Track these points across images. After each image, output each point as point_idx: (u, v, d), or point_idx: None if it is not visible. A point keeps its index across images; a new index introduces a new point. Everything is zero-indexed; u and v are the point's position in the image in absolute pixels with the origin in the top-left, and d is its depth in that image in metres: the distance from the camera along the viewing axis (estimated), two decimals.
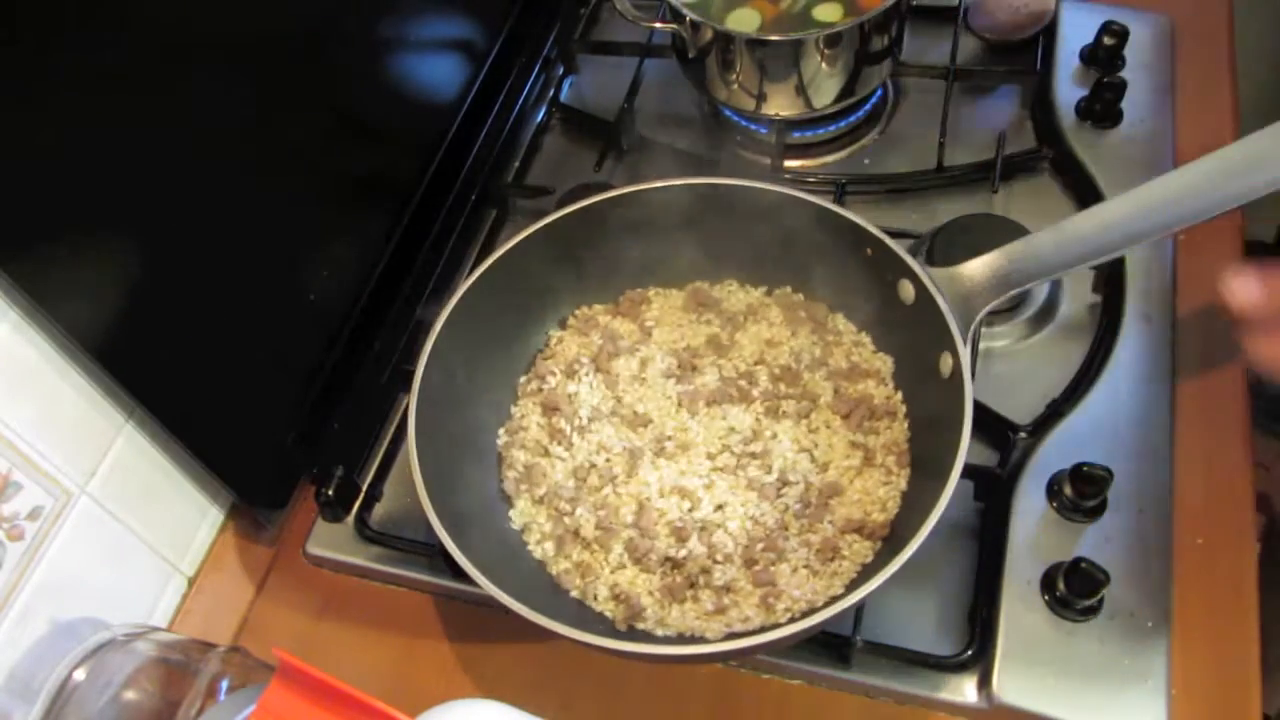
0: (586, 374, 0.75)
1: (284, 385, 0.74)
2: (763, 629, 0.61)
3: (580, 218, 0.73)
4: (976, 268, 0.66)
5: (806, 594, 0.64)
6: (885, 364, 0.73)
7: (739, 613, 0.64)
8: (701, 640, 0.63)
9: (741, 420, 0.72)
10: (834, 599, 0.58)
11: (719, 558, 0.66)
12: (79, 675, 0.59)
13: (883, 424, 0.70)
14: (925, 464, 0.67)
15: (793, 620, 0.62)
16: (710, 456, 0.70)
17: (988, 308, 0.65)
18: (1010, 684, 0.63)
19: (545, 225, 0.72)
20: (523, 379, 0.76)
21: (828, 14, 0.84)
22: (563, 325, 0.78)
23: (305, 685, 0.50)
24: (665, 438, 0.71)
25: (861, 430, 0.70)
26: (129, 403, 0.65)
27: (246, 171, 0.68)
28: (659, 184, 0.72)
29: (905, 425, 0.70)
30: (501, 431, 0.74)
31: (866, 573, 0.64)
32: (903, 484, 0.68)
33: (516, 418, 0.75)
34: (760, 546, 0.66)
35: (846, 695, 0.67)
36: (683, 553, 0.66)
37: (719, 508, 0.68)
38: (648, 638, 0.64)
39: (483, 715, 0.54)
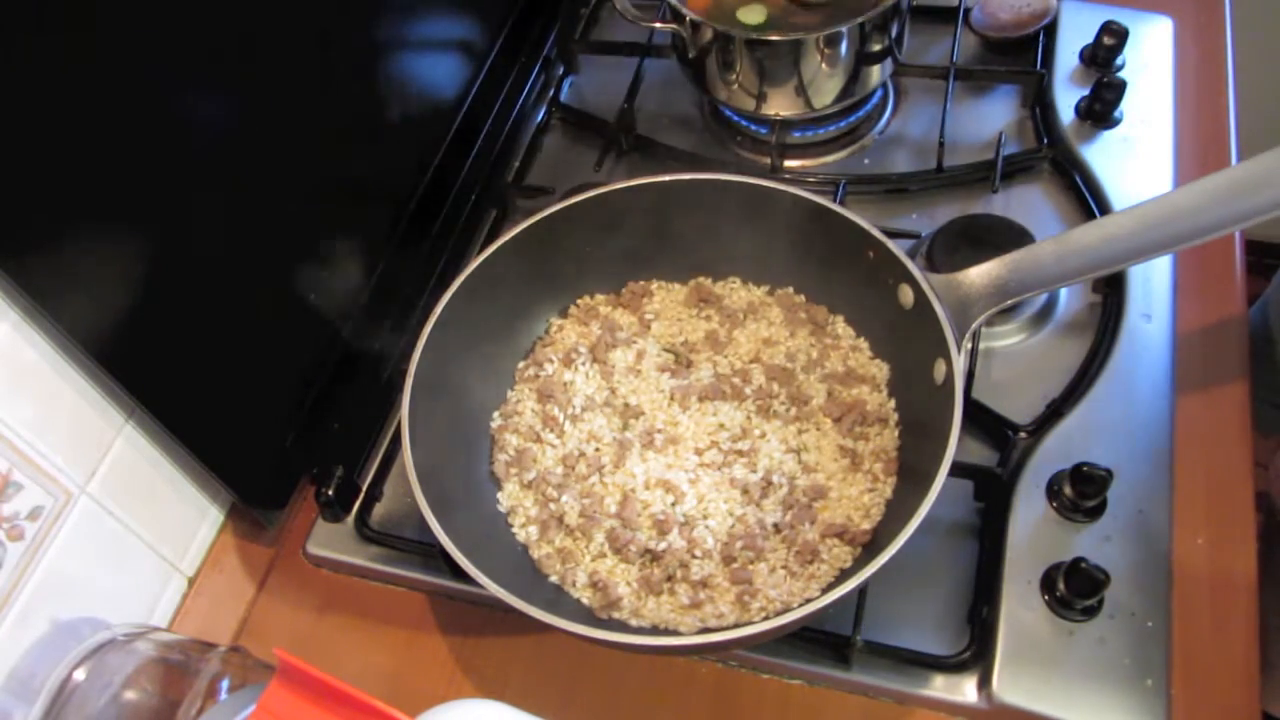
0: (583, 363, 0.76)
1: (284, 385, 0.74)
2: (736, 625, 0.62)
3: (588, 207, 0.73)
4: (976, 275, 0.66)
5: (782, 594, 0.64)
6: (881, 370, 0.73)
7: (714, 609, 0.64)
8: (674, 633, 0.63)
9: (732, 417, 0.72)
10: (809, 600, 0.59)
11: (698, 553, 0.67)
12: (79, 675, 0.59)
13: (873, 430, 0.70)
14: (913, 471, 0.67)
15: (767, 619, 0.62)
16: (698, 452, 0.71)
17: (984, 315, 0.65)
18: (1010, 684, 0.63)
19: (552, 213, 0.72)
20: (521, 364, 0.77)
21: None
22: (564, 313, 0.79)
23: (305, 685, 0.50)
24: (655, 430, 0.72)
25: (851, 435, 0.70)
26: (129, 403, 0.65)
27: (246, 171, 0.68)
28: (666, 177, 0.72)
29: (896, 433, 0.70)
30: (496, 415, 0.75)
31: (844, 577, 0.64)
32: (888, 492, 0.68)
33: (512, 402, 0.75)
34: (740, 544, 0.66)
35: (846, 695, 0.67)
36: (662, 545, 0.67)
37: (702, 503, 0.68)
38: (622, 627, 0.64)
39: (483, 715, 0.54)
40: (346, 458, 0.76)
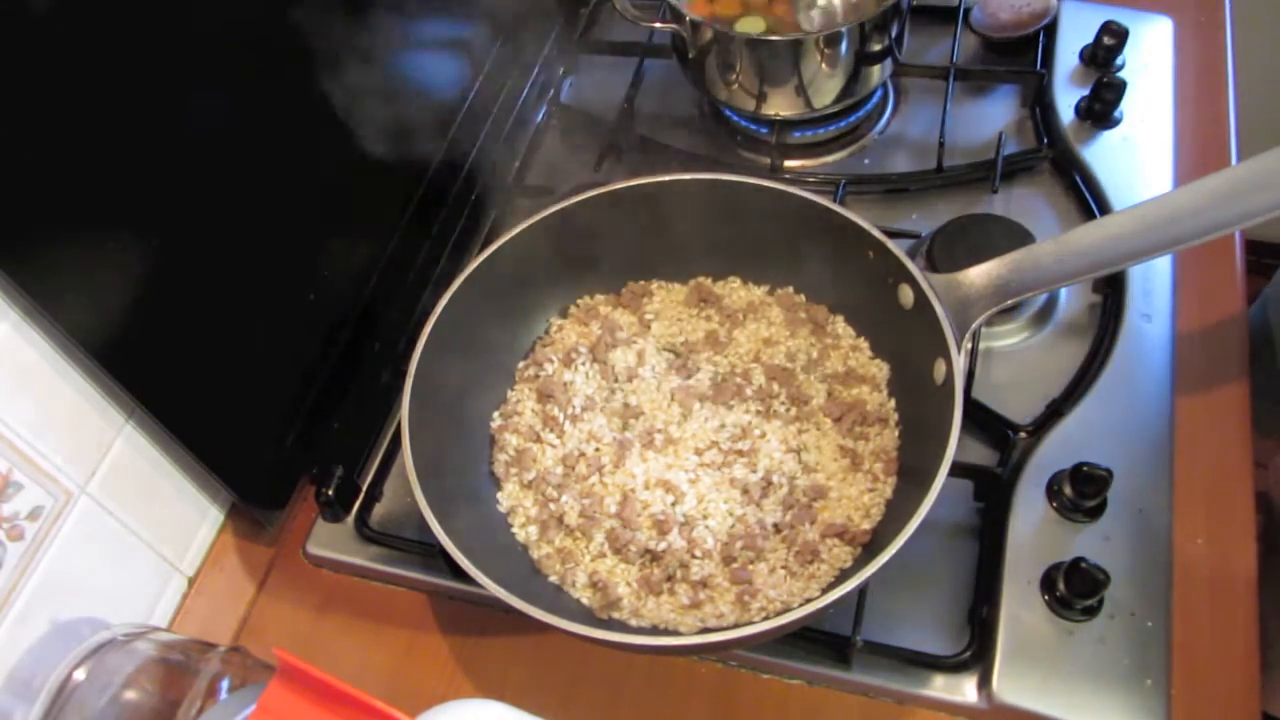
0: (583, 363, 0.76)
1: (284, 385, 0.74)
2: (736, 625, 0.62)
3: (587, 207, 0.73)
4: (976, 275, 0.66)
5: (782, 594, 0.64)
6: (881, 370, 0.73)
7: (714, 608, 0.64)
8: (674, 633, 0.63)
9: (732, 417, 0.72)
10: (809, 600, 0.59)
11: (698, 553, 0.67)
12: (79, 675, 0.59)
13: (873, 430, 0.70)
14: (913, 471, 0.67)
15: (767, 619, 0.62)
16: (698, 452, 0.71)
17: (984, 315, 0.65)
18: (1010, 684, 0.63)
19: (552, 214, 0.72)
20: (521, 364, 0.77)
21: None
22: (564, 313, 0.79)
23: (305, 685, 0.50)
24: (655, 430, 0.72)
25: (851, 435, 0.70)
26: (129, 403, 0.65)
27: (246, 172, 0.68)
28: (666, 177, 0.72)
29: (896, 433, 0.70)
30: (496, 415, 0.75)
31: (844, 577, 0.64)
32: (888, 491, 0.68)
33: (512, 402, 0.75)
34: (740, 544, 0.66)
35: (846, 695, 0.67)
36: (662, 545, 0.67)
37: (702, 503, 0.68)
38: (622, 627, 0.64)
39: (483, 715, 0.54)
40: (346, 458, 0.76)
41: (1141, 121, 0.88)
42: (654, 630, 0.64)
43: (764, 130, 0.92)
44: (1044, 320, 0.79)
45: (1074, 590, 0.63)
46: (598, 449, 0.72)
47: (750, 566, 0.66)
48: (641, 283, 0.79)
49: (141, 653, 0.61)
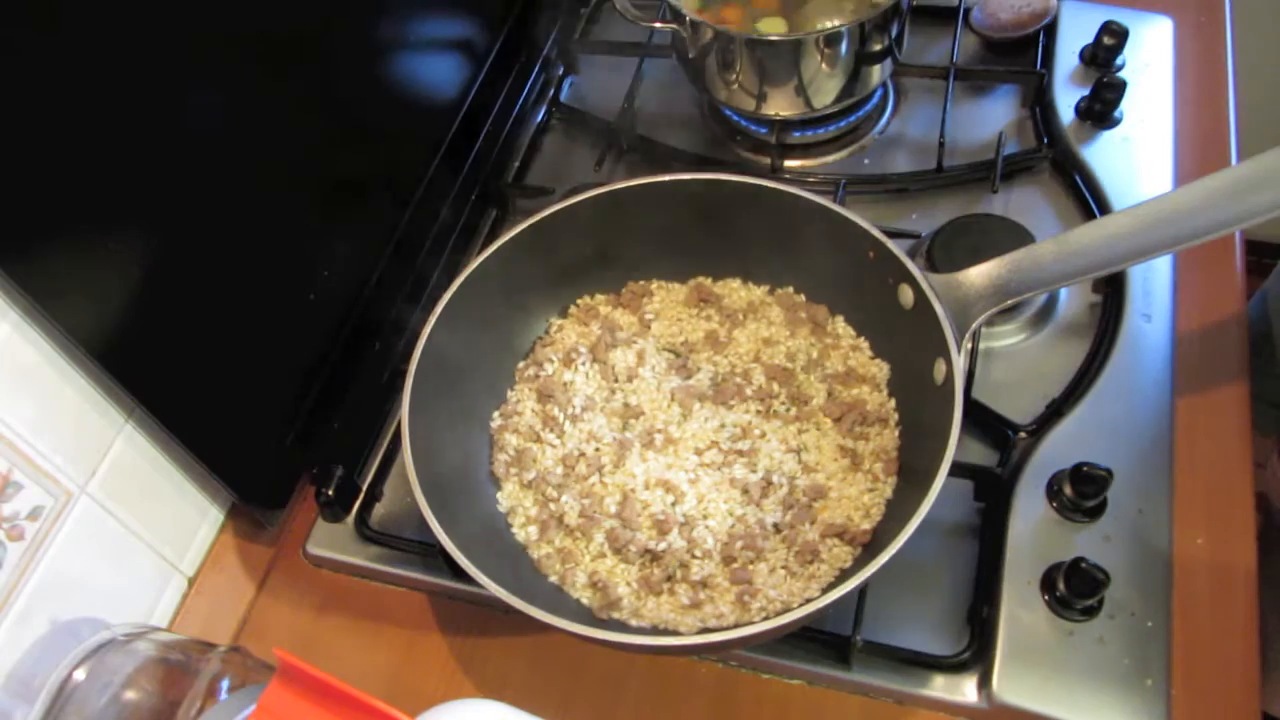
0: (583, 363, 0.76)
1: (284, 385, 0.74)
2: (736, 625, 0.62)
3: (587, 207, 0.73)
4: (976, 275, 0.66)
5: (783, 594, 0.64)
6: (881, 370, 0.73)
7: (714, 609, 0.64)
8: (674, 633, 0.63)
9: (732, 417, 0.72)
10: (809, 600, 0.59)
11: (698, 553, 0.67)
12: (79, 675, 0.59)
13: (873, 430, 0.70)
14: (913, 471, 0.67)
15: (767, 619, 0.62)
16: (698, 452, 0.71)
17: (984, 315, 0.65)
18: (1010, 684, 0.63)
19: (552, 214, 0.72)
20: (521, 364, 0.77)
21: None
22: (564, 313, 0.79)
23: (305, 685, 0.50)
24: (655, 430, 0.72)
25: (851, 435, 0.70)
26: (129, 403, 0.65)
27: (246, 171, 0.68)
28: (666, 177, 0.72)
29: (896, 433, 0.70)
30: (496, 415, 0.75)
31: (844, 577, 0.64)
32: (888, 491, 0.68)
33: (512, 402, 0.75)
34: (740, 544, 0.66)
35: (846, 695, 0.67)
36: (662, 545, 0.67)
37: (702, 503, 0.68)
38: (622, 627, 0.64)
39: (483, 715, 0.54)
40: (346, 458, 0.76)
41: (1141, 121, 0.88)
42: (654, 630, 0.64)
43: (764, 130, 0.92)
44: (1044, 320, 0.79)
45: (1074, 590, 0.63)
46: (598, 449, 0.72)
47: (750, 566, 0.66)
48: (641, 283, 0.80)
49: (141, 653, 0.61)
